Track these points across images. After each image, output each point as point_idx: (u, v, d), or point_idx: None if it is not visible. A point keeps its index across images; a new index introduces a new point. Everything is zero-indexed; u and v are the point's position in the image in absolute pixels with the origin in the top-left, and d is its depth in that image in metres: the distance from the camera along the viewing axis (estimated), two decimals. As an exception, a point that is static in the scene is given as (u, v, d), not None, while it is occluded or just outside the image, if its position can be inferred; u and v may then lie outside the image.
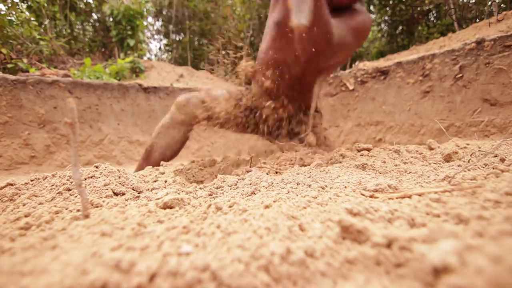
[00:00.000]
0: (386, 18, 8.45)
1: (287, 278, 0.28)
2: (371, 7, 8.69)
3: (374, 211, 0.43)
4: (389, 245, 0.32)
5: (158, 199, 0.62)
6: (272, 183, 0.77)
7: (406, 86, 2.81)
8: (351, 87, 3.39)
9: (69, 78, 3.11)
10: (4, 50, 3.70)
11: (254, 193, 0.69)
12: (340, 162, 1.10)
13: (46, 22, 5.34)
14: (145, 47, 7.87)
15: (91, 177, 0.85)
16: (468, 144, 1.24)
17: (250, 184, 0.80)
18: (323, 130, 1.59)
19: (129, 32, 5.99)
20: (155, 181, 0.98)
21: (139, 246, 0.34)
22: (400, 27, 8.22)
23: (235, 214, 0.48)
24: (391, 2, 7.91)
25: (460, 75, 2.35)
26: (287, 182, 0.76)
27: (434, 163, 0.98)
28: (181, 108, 1.39)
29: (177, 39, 9.94)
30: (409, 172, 0.82)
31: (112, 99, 3.20)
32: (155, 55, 10.19)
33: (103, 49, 6.79)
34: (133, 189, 0.82)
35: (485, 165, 0.81)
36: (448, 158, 0.99)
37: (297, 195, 0.61)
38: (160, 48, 11.62)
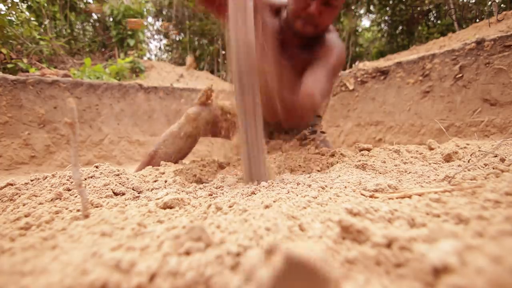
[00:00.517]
0: (386, 18, 8.45)
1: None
2: (371, 7, 8.70)
3: (374, 211, 0.43)
4: (389, 245, 0.32)
5: (158, 199, 0.62)
6: (272, 183, 0.77)
7: (406, 86, 2.81)
8: (351, 87, 3.39)
9: (69, 78, 3.11)
10: (4, 50, 3.70)
11: (254, 193, 0.69)
12: (340, 162, 1.10)
13: (46, 22, 5.34)
14: (145, 47, 7.87)
15: (91, 177, 0.85)
16: (468, 144, 1.24)
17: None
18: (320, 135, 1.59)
19: (129, 32, 5.99)
20: (155, 181, 0.98)
21: (139, 246, 0.34)
22: (400, 27, 8.23)
23: (235, 214, 0.48)
24: (391, 2, 7.91)
25: (460, 75, 2.35)
26: (287, 182, 0.76)
27: (434, 163, 0.98)
28: (191, 122, 1.43)
29: (177, 39, 9.94)
30: (409, 172, 0.83)
31: (112, 99, 3.20)
32: (155, 55, 10.20)
33: (103, 49, 6.79)
34: (133, 189, 0.82)
35: (485, 165, 0.81)
36: (448, 158, 0.99)
37: (297, 195, 0.61)
38: (160, 48, 11.62)
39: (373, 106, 3.12)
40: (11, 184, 0.77)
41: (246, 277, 0.25)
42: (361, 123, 3.22)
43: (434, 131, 2.48)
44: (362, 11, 9.38)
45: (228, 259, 0.30)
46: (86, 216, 0.52)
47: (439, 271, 0.25)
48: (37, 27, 4.65)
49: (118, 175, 0.88)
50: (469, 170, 0.75)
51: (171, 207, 0.58)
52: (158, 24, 10.10)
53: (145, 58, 7.40)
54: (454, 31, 5.21)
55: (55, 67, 4.62)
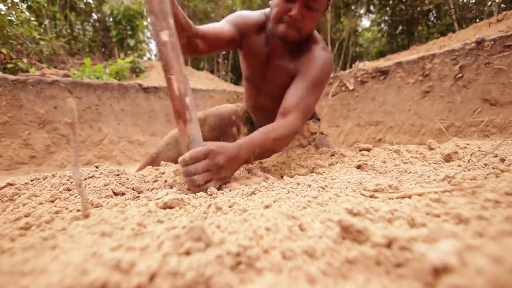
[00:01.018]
0: (386, 18, 8.45)
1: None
2: (371, 7, 8.70)
3: (374, 211, 0.43)
4: (389, 245, 0.32)
5: (158, 199, 0.62)
6: (273, 183, 0.77)
7: (406, 86, 2.81)
8: (351, 87, 3.39)
9: (69, 78, 3.11)
10: (4, 50, 3.70)
11: (254, 193, 0.69)
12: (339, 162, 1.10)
13: (46, 22, 5.34)
14: (145, 47, 7.87)
15: (91, 177, 0.85)
16: (468, 144, 1.24)
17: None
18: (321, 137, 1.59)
19: (129, 32, 5.99)
20: (155, 181, 0.98)
21: (139, 246, 0.34)
22: (400, 27, 8.23)
23: (235, 214, 0.48)
24: (391, 2, 7.91)
25: (460, 75, 2.35)
26: (287, 182, 0.76)
27: (434, 163, 0.98)
28: None
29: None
30: (409, 172, 0.83)
31: (112, 99, 3.20)
32: (155, 55, 10.19)
33: (103, 49, 6.79)
34: (133, 189, 0.82)
35: (485, 165, 0.81)
36: (448, 158, 0.99)
37: (297, 195, 0.61)
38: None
39: (373, 106, 3.12)
40: (11, 184, 0.77)
41: None
42: (361, 123, 3.22)
43: (434, 131, 2.48)
44: (362, 11, 9.38)
45: (228, 259, 0.30)
46: (86, 216, 0.52)
47: (439, 271, 0.25)
48: (37, 27, 4.65)
49: (118, 175, 0.88)
50: (469, 170, 0.75)
51: (171, 207, 0.58)
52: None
53: (145, 58, 7.40)
54: (454, 31, 5.21)
55: (55, 67, 4.62)
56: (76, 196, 0.69)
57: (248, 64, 1.37)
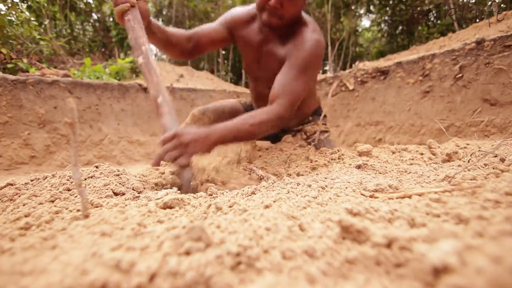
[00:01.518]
0: (386, 18, 8.45)
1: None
2: (371, 7, 8.70)
3: (374, 211, 0.43)
4: (389, 245, 0.32)
5: (158, 199, 0.62)
6: (273, 183, 0.77)
7: (406, 86, 2.81)
8: (351, 87, 3.39)
9: (69, 78, 3.11)
10: (4, 50, 3.70)
11: (254, 193, 0.69)
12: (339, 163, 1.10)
13: (46, 22, 5.34)
14: (145, 47, 7.85)
15: (91, 177, 0.85)
16: (468, 144, 1.24)
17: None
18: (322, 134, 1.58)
19: (129, 32, 5.98)
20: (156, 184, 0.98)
21: (139, 246, 0.34)
22: (400, 27, 8.23)
23: (235, 214, 0.48)
24: (391, 2, 7.91)
25: (460, 75, 2.35)
26: (287, 182, 0.76)
27: (434, 163, 0.98)
28: (196, 121, 1.50)
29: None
30: (409, 172, 0.83)
31: (112, 99, 3.20)
32: (155, 55, 10.20)
33: (103, 49, 6.79)
34: (133, 189, 0.82)
35: (485, 165, 0.81)
36: (448, 158, 0.99)
37: (297, 195, 0.61)
38: (160, 48, 11.58)
39: (373, 106, 3.12)
40: (11, 184, 0.77)
41: None
42: (361, 123, 3.22)
43: (434, 131, 2.48)
44: (362, 11, 9.38)
45: (228, 259, 0.30)
46: (86, 216, 0.52)
47: (439, 271, 0.25)
48: (37, 27, 4.65)
49: (118, 175, 0.88)
50: (469, 170, 0.75)
51: (171, 207, 0.58)
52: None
53: (145, 58, 7.39)
54: (454, 31, 5.21)
55: (55, 67, 4.62)
56: (76, 196, 0.69)
57: (244, 54, 1.42)
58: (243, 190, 0.72)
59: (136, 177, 0.96)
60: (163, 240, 0.35)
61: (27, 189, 0.75)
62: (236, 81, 9.49)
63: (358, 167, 0.97)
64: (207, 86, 4.88)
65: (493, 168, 0.70)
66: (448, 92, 2.43)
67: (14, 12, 4.25)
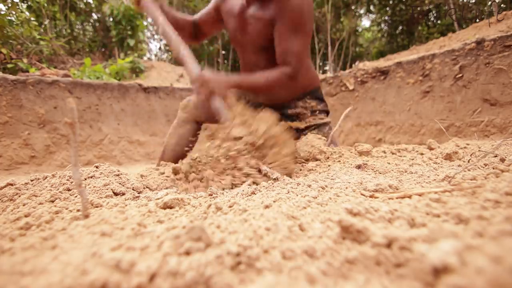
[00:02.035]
0: (386, 18, 8.46)
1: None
2: (371, 7, 8.70)
3: (374, 211, 0.43)
4: (389, 245, 0.32)
5: (158, 199, 0.62)
6: (273, 183, 0.77)
7: (406, 86, 2.81)
8: (351, 87, 3.39)
9: (69, 78, 3.11)
10: (4, 50, 3.70)
11: (254, 193, 0.69)
12: (339, 162, 1.10)
13: (46, 22, 5.35)
14: (145, 47, 7.88)
15: (91, 177, 0.85)
16: (468, 144, 1.24)
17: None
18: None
19: (129, 32, 5.99)
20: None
21: (139, 246, 0.34)
22: (400, 27, 8.23)
23: (235, 214, 0.48)
24: (391, 2, 7.91)
25: (460, 75, 2.35)
26: (287, 182, 0.76)
27: (434, 163, 0.98)
28: (184, 108, 1.55)
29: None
30: (409, 172, 0.83)
31: (112, 99, 3.20)
32: (155, 55, 10.19)
33: (103, 49, 6.79)
34: (133, 189, 0.82)
35: (485, 165, 0.81)
36: (448, 158, 0.99)
37: (297, 195, 0.61)
38: (160, 48, 11.62)
39: (373, 106, 3.12)
40: (11, 184, 0.77)
41: None
42: (361, 123, 3.22)
43: (434, 131, 2.48)
44: (362, 11, 9.38)
45: (228, 259, 0.30)
46: (86, 216, 0.52)
47: (439, 271, 0.25)
48: (37, 27, 4.65)
49: (118, 175, 0.88)
50: (469, 170, 0.75)
51: (171, 207, 0.58)
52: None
53: (145, 58, 7.40)
54: (454, 31, 5.21)
55: (55, 67, 4.62)
56: (76, 196, 0.69)
57: (229, 26, 1.45)
58: (243, 190, 0.72)
59: (136, 177, 0.96)
60: (163, 240, 0.35)
61: (27, 189, 0.75)
62: (236, 81, 9.50)
63: (358, 167, 0.96)
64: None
65: (493, 168, 0.70)
66: (448, 92, 2.43)
67: (14, 12, 4.25)
